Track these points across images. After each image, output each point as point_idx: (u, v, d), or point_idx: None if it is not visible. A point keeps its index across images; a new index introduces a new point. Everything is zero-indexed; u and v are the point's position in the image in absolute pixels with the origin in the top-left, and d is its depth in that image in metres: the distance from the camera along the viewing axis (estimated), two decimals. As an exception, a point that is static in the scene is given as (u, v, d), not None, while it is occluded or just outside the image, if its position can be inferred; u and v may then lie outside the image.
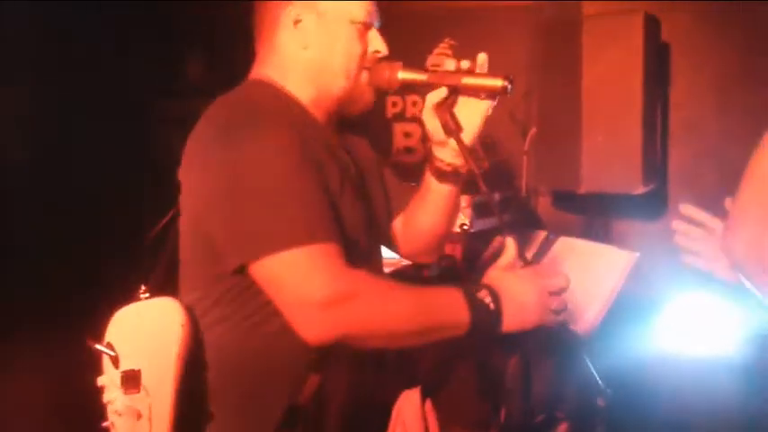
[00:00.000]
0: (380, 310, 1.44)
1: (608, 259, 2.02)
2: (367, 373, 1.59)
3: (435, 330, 1.49)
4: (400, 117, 3.77)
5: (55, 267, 3.20)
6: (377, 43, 1.67)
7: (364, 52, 1.64)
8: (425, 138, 3.71)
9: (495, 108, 1.67)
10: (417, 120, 3.76)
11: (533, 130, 3.27)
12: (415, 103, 3.76)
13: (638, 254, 2.00)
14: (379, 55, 1.67)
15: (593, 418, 1.65)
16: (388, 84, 1.65)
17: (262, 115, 1.53)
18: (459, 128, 1.61)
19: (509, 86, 1.58)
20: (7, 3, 3.16)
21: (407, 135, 3.78)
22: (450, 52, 3.58)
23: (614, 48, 2.98)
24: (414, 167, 3.67)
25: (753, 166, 1.42)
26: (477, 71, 1.61)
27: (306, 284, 1.40)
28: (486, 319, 1.49)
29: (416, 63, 1.68)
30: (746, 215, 1.42)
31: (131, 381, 1.56)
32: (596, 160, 2.98)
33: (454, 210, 1.84)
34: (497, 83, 1.58)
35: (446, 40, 3.62)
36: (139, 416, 1.55)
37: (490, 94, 1.62)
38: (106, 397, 1.62)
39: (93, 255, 3.27)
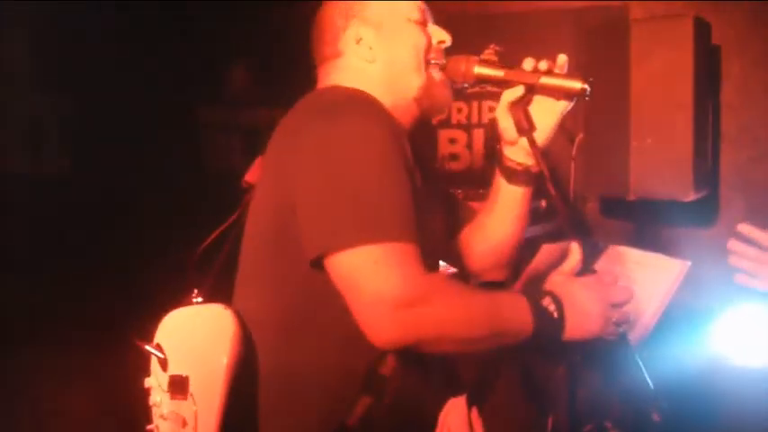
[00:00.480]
0: (456, 315, 1.41)
1: (659, 268, 1.98)
2: (414, 380, 1.58)
3: (501, 336, 1.47)
4: (445, 123, 3.75)
5: (98, 274, 3.25)
6: (439, 34, 1.68)
7: (429, 44, 1.66)
8: (470, 144, 3.72)
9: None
10: (462, 126, 3.74)
11: (580, 136, 3.23)
12: (460, 110, 3.73)
13: (689, 262, 1.96)
14: (444, 45, 1.68)
15: (644, 429, 1.62)
16: (463, 77, 1.65)
17: (362, 102, 1.52)
18: (532, 127, 1.59)
19: (588, 89, 1.56)
20: (53, 4, 3.23)
21: (452, 141, 3.75)
22: (495, 59, 3.55)
23: (663, 52, 2.92)
24: (459, 174, 3.65)
25: None
26: (556, 71, 1.60)
27: (384, 282, 1.35)
28: (548, 327, 1.47)
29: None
30: None
31: (178, 386, 1.55)
32: (646, 166, 2.93)
33: (524, 217, 1.81)
34: (576, 85, 1.57)
35: (491, 46, 3.59)
36: (185, 423, 1.53)
37: (568, 95, 1.61)
38: (152, 399, 1.61)
39: (135, 261, 3.32)
